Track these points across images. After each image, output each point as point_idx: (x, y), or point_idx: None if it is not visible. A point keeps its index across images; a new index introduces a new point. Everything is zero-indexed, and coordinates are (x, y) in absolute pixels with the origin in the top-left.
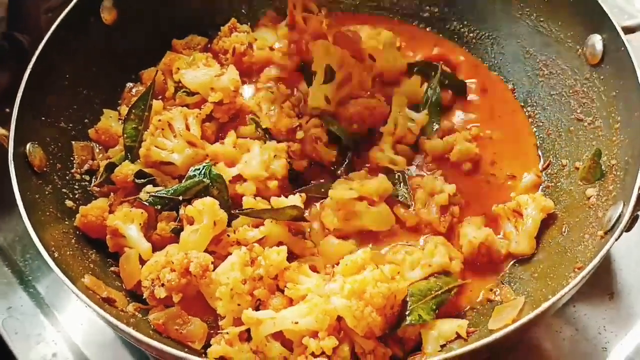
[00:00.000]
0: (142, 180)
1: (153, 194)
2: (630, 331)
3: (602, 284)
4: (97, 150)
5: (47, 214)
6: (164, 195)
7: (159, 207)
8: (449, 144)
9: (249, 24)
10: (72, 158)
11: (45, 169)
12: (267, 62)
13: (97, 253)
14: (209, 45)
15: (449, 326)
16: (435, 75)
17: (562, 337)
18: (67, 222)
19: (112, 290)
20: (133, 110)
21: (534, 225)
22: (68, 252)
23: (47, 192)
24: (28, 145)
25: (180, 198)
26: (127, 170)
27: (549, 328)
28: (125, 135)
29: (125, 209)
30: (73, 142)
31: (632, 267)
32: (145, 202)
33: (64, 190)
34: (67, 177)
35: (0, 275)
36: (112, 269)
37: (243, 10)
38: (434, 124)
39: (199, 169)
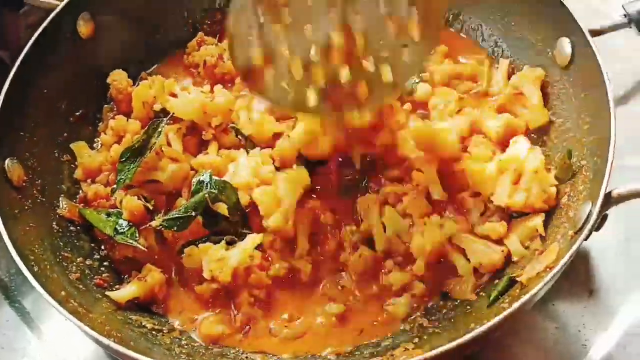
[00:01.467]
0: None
1: (165, 218)
2: (609, 327)
3: (580, 281)
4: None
5: (27, 228)
6: (178, 216)
7: (175, 228)
8: None
9: (217, 36)
10: (51, 171)
11: (24, 184)
12: None
13: (78, 267)
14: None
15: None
16: None
17: (543, 334)
18: (47, 236)
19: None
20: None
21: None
22: (48, 266)
23: (26, 207)
24: (7, 161)
25: (193, 214)
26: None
27: (530, 324)
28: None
29: None
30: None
31: (610, 265)
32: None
33: (44, 204)
34: (47, 191)
35: None
36: (95, 281)
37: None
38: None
39: (202, 181)
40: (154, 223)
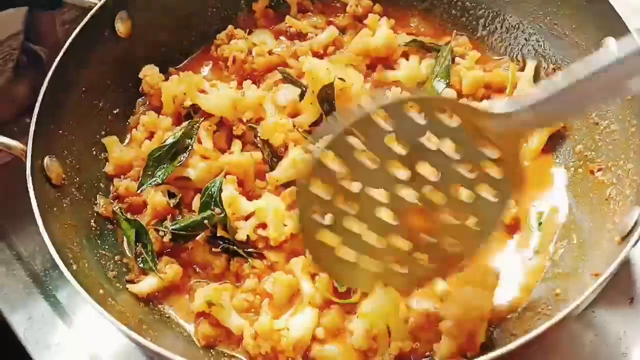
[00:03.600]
0: (173, 200)
1: (173, 230)
2: None
3: (622, 288)
4: None
5: (66, 226)
6: (184, 233)
7: (182, 242)
8: None
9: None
10: (89, 169)
11: (62, 182)
12: (268, 68)
13: (115, 264)
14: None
15: None
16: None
17: (582, 342)
18: (85, 234)
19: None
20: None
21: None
22: (86, 264)
23: (65, 205)
24: (45, 159)
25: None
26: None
27: (569, 332)
28: None
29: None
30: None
31: None
32: (170, 242)
33: (82, 202)
34: (85, 189)
35: (21, 284)
36: (127, 277)
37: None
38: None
39: (211, 194)
40: (165, 237)
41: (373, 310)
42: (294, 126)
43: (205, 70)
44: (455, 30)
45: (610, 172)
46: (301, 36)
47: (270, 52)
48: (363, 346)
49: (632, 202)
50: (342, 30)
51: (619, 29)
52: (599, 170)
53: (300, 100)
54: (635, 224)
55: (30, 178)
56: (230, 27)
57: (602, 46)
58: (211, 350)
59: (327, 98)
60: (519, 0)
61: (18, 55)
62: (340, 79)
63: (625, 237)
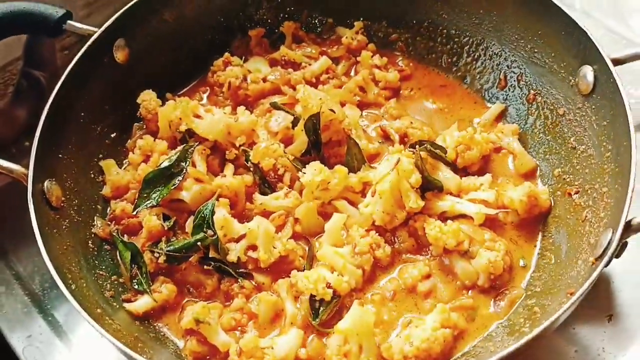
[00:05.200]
0: (168, 222)
1: (167, 252)
2: (628, 352)
3: (601, 305)
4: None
5: (65, 247)
6: (177, 255)
7: (176, 263)
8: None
9: (242, 57)
10: (87, 192)
11: (62, 204)
12: (262, 95)
13: (112, 284)
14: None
15: None
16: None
17: (564, 357)
18: (83, 255)
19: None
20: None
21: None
22: (84, 284)
23: (64, 227)
24: (46, 182)
25: (190, 254)
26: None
27: (551, 348)
28: None
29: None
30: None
31: (631, 289)
32: (164, 263)
33: (80, 223)
34: (83, 211)
35: (20, 304)
36: (123, 296)
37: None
38: None
39: (204, 216)
40: (160, 259)
41: (348, 328)
42: (284, 152)
43: (204, 96)
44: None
45: (587, 194)
46: (295, 65)
47: (264, 80)
48: None
49: (605, 224)
50: (335, 61)
51: (595, 57)
52: (576, 192)
53: (292, 128)
54: (608, 245)
55: (31, 201)
56: (226, 54)
57: (579, 74)
58: None
59: (313, 128)
60: (501, 28)
61: (18, 80)
62: (331, 110)
63: (598, 258)
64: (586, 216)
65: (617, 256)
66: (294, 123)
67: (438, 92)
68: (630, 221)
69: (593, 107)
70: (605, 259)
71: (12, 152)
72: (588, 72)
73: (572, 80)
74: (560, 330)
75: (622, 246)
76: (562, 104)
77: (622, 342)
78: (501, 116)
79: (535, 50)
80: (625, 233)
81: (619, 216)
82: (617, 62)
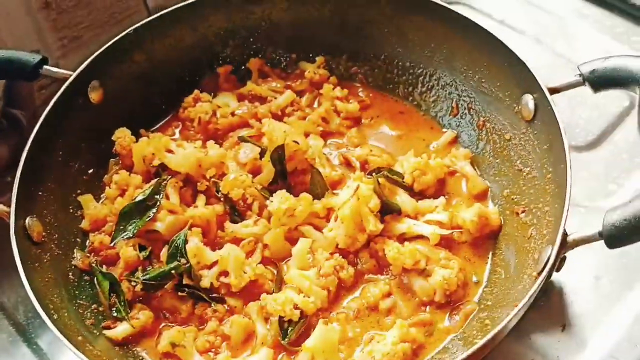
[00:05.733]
0: (144, 252)
1: (143, 280)
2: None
3: (555, 316)
4: None
5: (47, 279)
6: (153, 282)
7: (152, 291)
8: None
9: (211, 93)
10: (66, 226)
11: (43, 239)
12: (231, 128)
13: (92, 313)
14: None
15: None
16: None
17: None
18: (64, 286)
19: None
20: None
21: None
22: (66, 314)
23: (45, 260)
24: (27, 219)
25: (165, 282)
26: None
27: (513, 355)
28: None
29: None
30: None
31: (582, 301)
32: (141, 291)
33: (61, 256)
34: (63, 244)
35: (5, 333)
36: (103, 323)
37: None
38: None
39: (177, 245)
40: (137, 287)
41: (314, 345)
42: (253, 182)
43: (177, 131)
44: None
45: (532, 213)
46: (262, 99)
47: (233, 114)
48: None
49: (547, 240)
50: (300, 94)
51: (534, 86)
52: (523, 212)
53: (260, 159)
54: (548, 260)
55: (14, 238)
56: (196, 91)
57: (522, 102)
58: None
59: (279, 159)
60: (451, 60)
61: None
62: (295, 141)
63: (540, 272)
64: (531, 234)
65: (558, 270)
66: (261, 154)
67: (396, 119)
68: (566, 237)
69: (535, 132)
70: (545, 273)
71: None
72: (529, 100)
73: (516, 108)
74: (518, 339)
75: (561, 260)
76: (508, 129)
77: (575, 349)
78: (454, 141)
79: (483, 80)
80: (562, 248)
81: (556, 233)
82: (554, 90)
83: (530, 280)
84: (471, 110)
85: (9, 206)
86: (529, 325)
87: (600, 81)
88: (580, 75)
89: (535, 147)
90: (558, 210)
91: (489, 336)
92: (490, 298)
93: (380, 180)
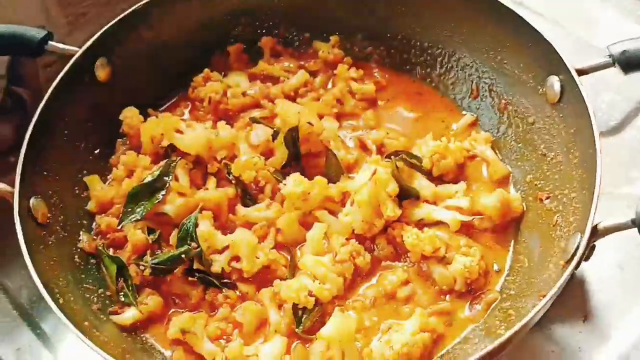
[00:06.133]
0: (152, 235)
1: (152, 265)
2: (603, 351)
3: (576, 306)
4: None
5: (52, 262)
6: (163, 267)
7: (162, 275)
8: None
9: (222, 73)
10: (72, 207)
11: (48, 220)
12: (242, 109)
13: (99, 297)
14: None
15: None
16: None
17: (543, 354)
18: (70, 269)
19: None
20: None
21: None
22: (72, 298)
23: (50, 242)
24: (31, 200)
25: (175, 266)
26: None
27: (531, 347)
28: None
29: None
30: None
31: (604, 290)
32: (150, 275)
33: (66, 238)
34: (69, 227)
35: (8, 318)
36: (110, 309)
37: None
38: None
39: (188, 229)
40: (146, 272)
41: (330, 334)
42: (265, 164)
43: (186, 112)
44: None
45: (557, 200)
46: (274, 79)
47: (244, 94)
48: None
49: (574, 228)
50: (313, 75)
51: (561, 68)
52: (547, 198)
53: (273, 141)
54: (577, 248)
55: (18, 219)
56: (206, 70)
57: (547, 84)
58: None
59: (292, 140)
60: (472, 41)
61: (2, 98)
62: (309, 123)
63: (568, 261)
64: (557, 221)
65: (586, 259)
66: (274, 136)
67: (413, 100)
68: (596, 225)
69: (560, 115)
70: (574, 262)
71: None
72: (555, 82)
73: (541, 90)
74: (538, 330)
75: (590, 249)
76: (531, 112)
77: (597, 341)
78: (474, 125)
79: (505, 62)
80: (592, 237)
81: (586, 221)
82: (581, 72)
83: (556, 270)
84: (492, 92)
85: (13, 187)
86: (549, 315)
87: (632, 62)
88: (610, 56)
89: (560, 130)
90: (586, 197)
91: (516, 327)
92: (513, 287)
93: (399, 164)
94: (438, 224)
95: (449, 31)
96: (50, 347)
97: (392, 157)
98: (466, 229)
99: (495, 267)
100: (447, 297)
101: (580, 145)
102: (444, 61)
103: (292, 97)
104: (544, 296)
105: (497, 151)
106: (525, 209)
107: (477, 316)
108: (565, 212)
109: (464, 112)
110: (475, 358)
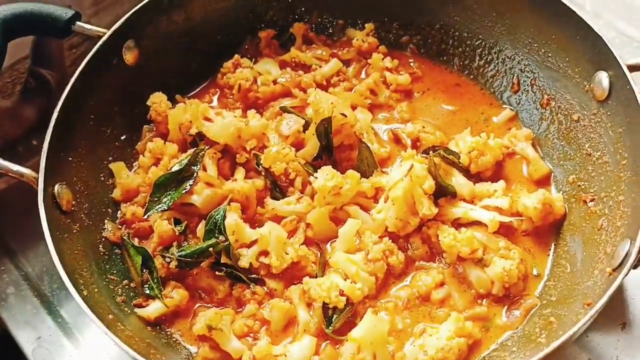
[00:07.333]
0: (179, 227)
1: (179, 257)
2: None
3: (614, 313)
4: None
5: (76, 251)
6: (189, 260)
7: (188, 268)
8: None
9: (252, 59)
10: (97, 195)
11: (72, 208)
12: (272, 97)
13: (124, 289)
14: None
15: None
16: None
17: None
18: (94, 259)
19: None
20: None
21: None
22: (96, 289)
23: (74, 230)
24: (56, 186)
25: (201, 259)
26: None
27: (564, 356)
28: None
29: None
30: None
31: None
32: (176, 268)
33: (91, 227)
34: (93, 215)
35: (29, 305)
36: (135, 301)
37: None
38: None
39: (216, 221)
40: (172, 264)
41: (362, 336)
42: (296, 156)
43: (214, 99)
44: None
45: (603, 202)
46: (305, 67)
47: (274, 82)
48: None
49: (622, 233)
50: (346, 64)
51: (611, 63)
52: (591, 200)
53: (304, 132)
54: (626, 256)
55: (42, 205)
56: (236, 56)
57: (594, 79)
58: None
59: (325, 132)
60: (515, 32)
61: (26, 79)
62: (343, 114)
63: (616, 269)
64: (602, 224)
65: (636, 267)
66: (305, 127)
67: (451, 92)
68: None
69: (608, 113)
70: (624, 270)
71: (19, 151)
72: (603, 78)
73: (587, 86)
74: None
75: None
76: (576, 109)
77: (636, 350)
78: (513, 120)
79: (549, 55)
80: None
81: (637, 227)
82: (633, 68)
83: (602, 277)
84: (534, 87)
85: (37, 172)
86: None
87: None
88: None
89: (607, 129)
90: (636, 201)
91: (564, 337)
92: (554, 293)
93: (436, 160)
94: (475, 224)
95: (490, 21)
96: (71, 337)
97: (429, 152)
98: (504, 230)
99: (534, 272)
100: (484, 301)
101: (630, 145)
102: (483, 53)
103: (324, 87)
104: (590, 304)
105: (538, 149)
106: (567, 211)
107: (515, 322)
108: (612, 216)
109: (504, 107)
110: None
